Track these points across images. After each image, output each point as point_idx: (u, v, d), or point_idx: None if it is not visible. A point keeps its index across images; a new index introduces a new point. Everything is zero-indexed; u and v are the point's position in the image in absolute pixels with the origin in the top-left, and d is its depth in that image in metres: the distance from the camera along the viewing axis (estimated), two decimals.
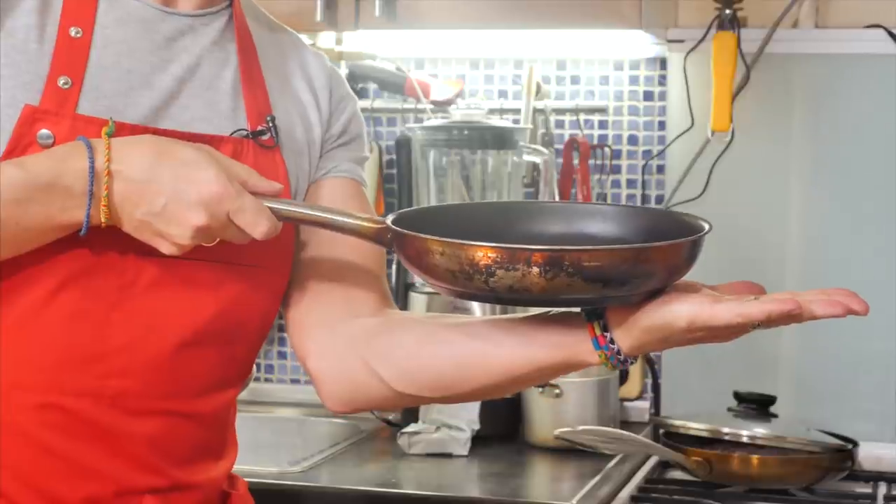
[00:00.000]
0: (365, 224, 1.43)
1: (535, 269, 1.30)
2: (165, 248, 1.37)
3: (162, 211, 1.34)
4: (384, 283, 1.63)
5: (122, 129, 1.41)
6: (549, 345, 1.44)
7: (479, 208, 1.70)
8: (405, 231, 1.39)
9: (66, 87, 1.41)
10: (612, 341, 1.39)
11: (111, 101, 1.43)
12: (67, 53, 1.42)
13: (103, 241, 1.39)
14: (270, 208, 1.39)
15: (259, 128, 1.52)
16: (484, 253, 1.32)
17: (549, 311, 1.45)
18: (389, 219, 1.42)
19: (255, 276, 1.51)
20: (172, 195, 1.34)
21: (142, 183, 1.34)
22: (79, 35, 1.44)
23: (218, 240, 1.40)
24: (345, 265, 1.58)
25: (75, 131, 1.39)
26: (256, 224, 1.37)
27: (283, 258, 1.55)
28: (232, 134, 1.50)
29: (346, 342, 1.56)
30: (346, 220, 1.44)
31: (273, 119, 1.53)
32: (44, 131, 1.39)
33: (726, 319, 1.31)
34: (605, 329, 1.39)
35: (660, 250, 1.34)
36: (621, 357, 1.40)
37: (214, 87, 1.51)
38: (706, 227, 1.39)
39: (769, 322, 1.30)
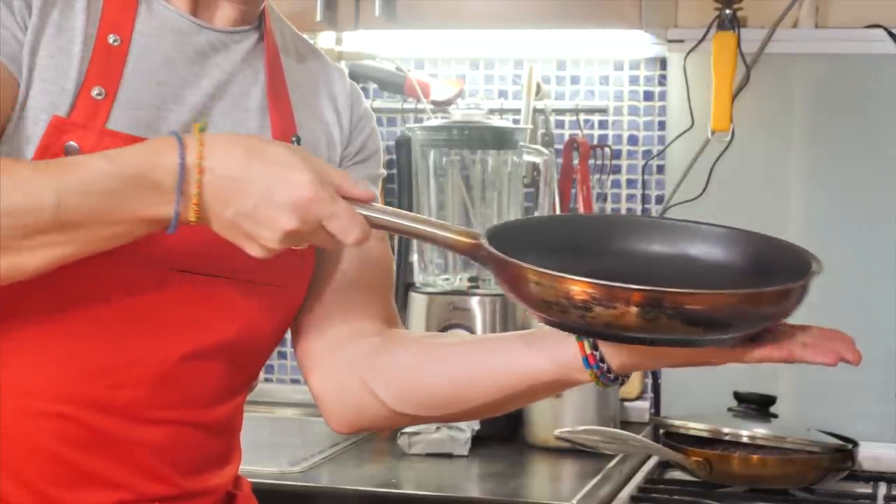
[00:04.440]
0: (459, 239, 1.37)
1: (634, 309, 1.24)
2: (254, 251, 1.33)
3: (252, 212, 1.30)
4: (391, 303, 1.63)
5: None
6: (542, 363, 1.45)
7: (578, 222, 1.61)
8: (501, 255, 1.32)
9: (99, 97, 1.40)
10: (601, 360, 1.40)
11: (143, 113, 1.42)
12: (104, 62, 1.41)
13: (120, 253, 1.37)
14: (363, 215, 1.34)
15: None
16: (581, 288, 1.25)
17: (541, 329, 1.45)
18: (484, 234, 1.36)
19: (274, 296, 1.51)
20: (263, 196, 1.30)
21: (233, 181, 1.30)
22: (117, 43, 1.42)
23: (307, 244, 1.37)
24: (351, 284, 1.58)
25: (101, 146, 1.38)
26: (349, 231, 1.33)
27: (302, 278, 1.54)
28: None
29: (347, 363, 1.56)
30: (439, 232, 1.38)
31: (298, 139, 1.53)
32: (71, 143, 1.37)
33: (721, 359, 1.34)
34: (594, 347, 1.40)
35: (767, 295, 1.27)
36: (611, 376, 1.41)
37: (242, 106, 1.50)
38: (815, 265, 1.32)
39: (761, 362, 1.33)
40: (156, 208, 1.30)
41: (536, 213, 2.82)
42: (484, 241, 1.35)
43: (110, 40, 1.42)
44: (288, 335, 1.60)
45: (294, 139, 1.53)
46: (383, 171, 1.68)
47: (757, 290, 1.27)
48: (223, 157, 1.31)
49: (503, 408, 1.55)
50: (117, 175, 1.29)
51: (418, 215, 1.42)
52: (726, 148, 2.77)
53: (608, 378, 1.41)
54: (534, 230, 1.45)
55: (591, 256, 1.36)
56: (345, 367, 1.56)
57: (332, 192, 1.32)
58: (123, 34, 1.43)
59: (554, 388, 1.49)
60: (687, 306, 1.23)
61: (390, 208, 1.40)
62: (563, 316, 1.28)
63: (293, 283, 1.52)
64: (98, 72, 1.40)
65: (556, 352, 1.43)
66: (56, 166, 1.30)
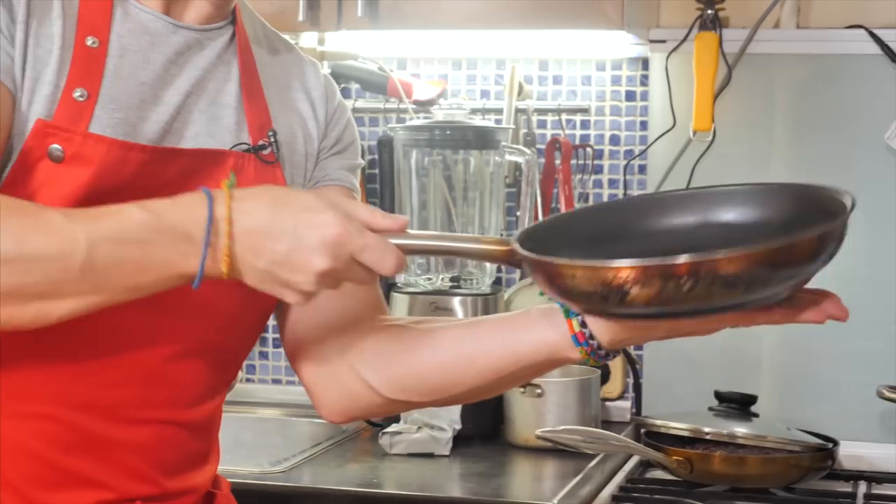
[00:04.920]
0: (493, 248, 1.38)
1: (672, 283, 1.22)
2: (291, 298, 1.33)
3: (285, 259, 1.30)
4: (377, 291, 1.63)
5: (132, 149, 1.41)
6: (533, 343, 1.46)
7: (607, 209, 1.60)
8: (533, 256, 1.32)
9: (81, 99, 1.40)
10: (591, 337, 1.41)
11: (126, 114, 1.42)
12: (84, 64, 1.41)
13: None
14: (396, 243, 1.34)
15: (260, 142, 1.52)
16: (615, 273, 1.24)
17: (530, 309, 1.45)
18: (515, 239, 1.36)
19: (253, 291, 1.51)
20: (294, 241, 1.30)
21: (262, 231, 1.30)
22: (95, 45, 1.42)
23: (343, 285, 1.36)
24: None
25: (86, 148, 1.38)
26: (383, 260, 1.33)
27: None
28: (233, 148, 1.50)
29: (337, 353, 1.57)
30: (472, 245, 1.40)
31: (274, 133, 1.53)
32: (55, 146, 1.37)
33: (706, 323, 1.33)
34: (583, 325, 1.41)
35: (805, 243, 1.24)
36: (602, 352, 1.42)
37: (218, 103, 1.51)
38: (849, 202, 1.29)
39: (749, 325, 1.32)
40: (187, 261, 1.30)
41: (520, 212, 2.82)
42: (516, 246, 1.35)
43: (89, 42, 1.42)
44: (266, 334, 1.60)
45: (270, 133, 1.53)
46: (362, 161, 1.68)
47: (791, 240, 1.23)
48: (250, 210, 1.31)
49: (496, 389, 1.56)
50: (153, 225, 1.29)
51: (449, 234, 1.42)
52: (708, 148, 2.78)
53: (599, 355, 1.42)
54: (563, 226, 1.45)
55: (627, 240, 1.36)
56: (335, 357, 1.57)
57: (360, 226, 1.33)
58: (101, 36, 1.43)
59: (545, 367, 1.49)
60: (723, 270, 1.21)
61: (421, 232, 1.40)
62: (605, 304, 1.27)
63: None
64: (79, 74, 1.41)
65: (547, 331, 1.44)
66: (89, 213, 1.30)
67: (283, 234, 1.30)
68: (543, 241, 1.35)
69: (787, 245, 1.23)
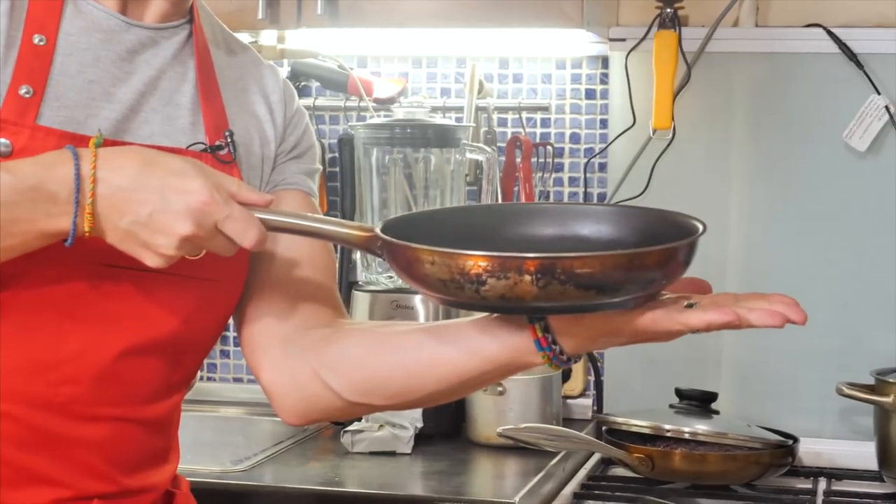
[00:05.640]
0: (354, 233, 1.41)
1: (527, 277, 1.27)
2: (151, 260, 1.34)
3: (148, 220, 1.31)
4: (336, 293, 1.64)
5: (82, 142, 1.40)
6: (495, 347, 1.45)
7: (471, 212, 1.65)
8: (394, 240, 1.35)
9: (27, 95, 1.40)
10: (554, 342, 1.40)
11: (72, 111, 1.42)
12: (30, 61, 1.41)
13: (58, 250, 1.36)
14: (259, 219, 1.37)
15: (217, 142, 1.52)
16: (475, 262, 1.28)
17: (493, 314, 1.46)
18: (378, 227, 1.39)
19: (211, 290, 1.50)
20: (159, 204, 1.31)
21: (128, 191, 1.31)
22: (42, 43, 1.42)
23: (203, 252, 1.37)
24: (296, 278, 1.58)
25: (34, 142, 1.38)
26: (245, 233, 1.35)
27: (238, 272, 1.54)
28: (189, 147, 1.49)
29: (298, 355, 1.56)
30: (335, 229, 1.42)
31: (231, 134, 1.53)
32: (2, 140, 1.37)
33: (667, 327, 1.34)
34: (546, 330, 1.40)
35: (654, 254, 1.30)
36: (564, 357, 1.42)
37: (174, 102, 1.50)
38: (700, 227, 1.36)
39: (708, 330, 1.33)
40: (52, 220, 1.31)
41: None
42: (378, 232, 1.38)
43: (35, 40, 1.42)
44: (228, 332, 1.60)
45: (227, 134, 1.53)
46: (319, 166, 1.68)
47: (643, 250, 1.30)
48: (117, 169, 1.32)
49: (457, 393, 1.55)
50: (14, 186, 1.30)
51: (314, 215, 1.46)
52: (668, 146, 2.79)
53: (561, 360, 1.42)
54: (427, 223, 1.48)
55: (484, 244, 1.38)
56: (295, 359, 1.56)
57: (227, 197, 1.35)
58: (49, 34, 1.43)
59: (507, 371, 1.49)
60: (577, 270, 1.26)
61: (286, 210, 1.44)
62: (460, 293, 1.31)
63: (230, 277, 1.52)
64: (24, 71, 1.40)
65: (509, 336, 1.44)
66: None
67: (150, 194, 1.31)
68: (406, 233, 1.38)
69: (638, 254, 1.29)
